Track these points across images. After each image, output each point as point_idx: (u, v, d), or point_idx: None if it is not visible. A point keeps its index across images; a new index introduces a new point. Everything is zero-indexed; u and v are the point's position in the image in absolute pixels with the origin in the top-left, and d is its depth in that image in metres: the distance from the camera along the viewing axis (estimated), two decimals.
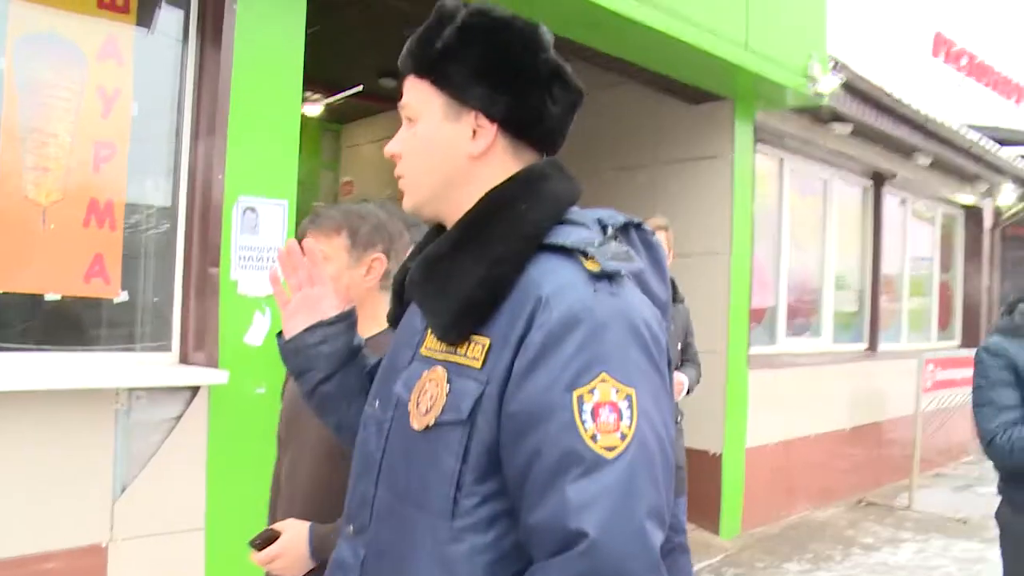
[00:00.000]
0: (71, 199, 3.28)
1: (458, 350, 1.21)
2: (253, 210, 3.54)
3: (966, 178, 9.31)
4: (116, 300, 3.41)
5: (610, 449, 1.08)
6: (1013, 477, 2.88)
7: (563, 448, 1.08)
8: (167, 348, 3.52)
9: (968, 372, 9.09)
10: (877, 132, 7.30)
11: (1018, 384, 2.86)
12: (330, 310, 1.60)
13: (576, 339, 1.12)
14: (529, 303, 1.15)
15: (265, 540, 1.87)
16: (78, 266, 3.31)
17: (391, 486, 1.28)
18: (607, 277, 1.16)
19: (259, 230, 3.57)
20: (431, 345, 1.27)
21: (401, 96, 1.34)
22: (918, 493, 7.43)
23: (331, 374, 1.58)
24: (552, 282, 1.16)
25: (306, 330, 1.59)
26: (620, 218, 1.32)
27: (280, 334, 1.63)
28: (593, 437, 1.08)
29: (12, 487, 2.95)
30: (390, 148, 1.37)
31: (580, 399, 1.09)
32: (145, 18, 3.52)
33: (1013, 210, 9.96)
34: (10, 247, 3.15)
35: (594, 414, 1.09)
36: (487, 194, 1.27)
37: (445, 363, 1.22)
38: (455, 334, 1.21)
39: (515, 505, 1.15)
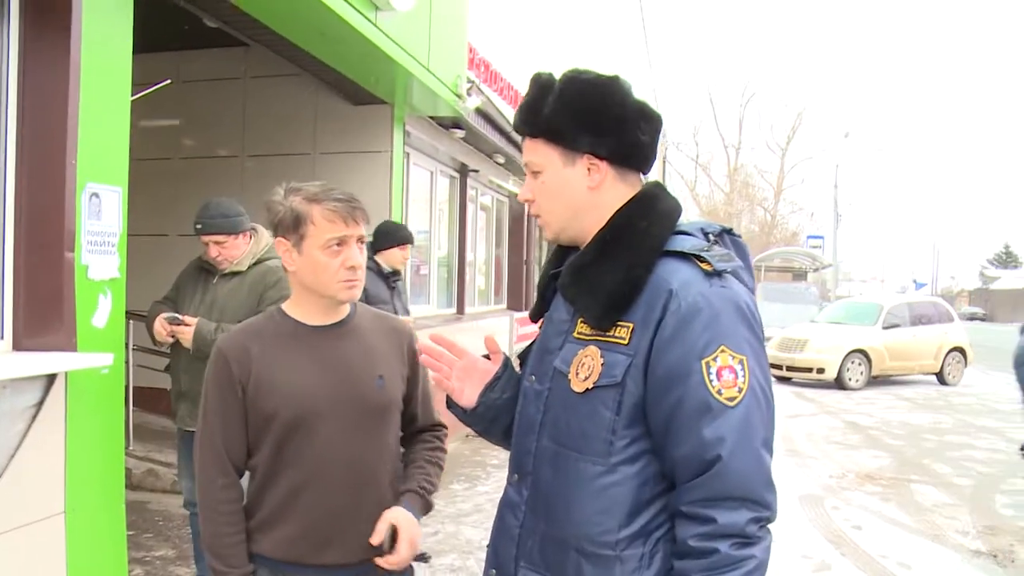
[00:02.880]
0: None
1: (607, 333, 1.52)
2: (97, 196, 3.39)
3: (516, 171, 10.99)
4: None
5: (731, 400, 1.43)
6: None
7: (698, 400, 1.43)
8: None
9: (531, 328, 10.77)
10: (478, 136, 8.45)
11: None
12: (487, 366, 1.83)
13: (701, 321, 1.45)
14: (662, 295, 1.48)
15: (392, 538, 2.01)
16: None
17: (554, 438, 1.59)
18: (718, 274, 1.50)
19: (102, 215, 3.42)
20: (582, 330, 1.57)
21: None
22: None
23: (515, 410, 1.74)
24: (678, 279, 1.49)
25: (488, 389, 1.80)
26: (716, 227, 1.65)
27: (453, 406, 1.84)
28: (719, 392, 1.43)
29: None
30: (523, 196, 1.70)
31: (707, 365, 1.43)
32: None
33: None
34: None
35: (718, 375, 1.43)
36: (615, 215, 1.59)
37: (596, 342, 1.53)
38: (607, 321, 1.52)
39: (657, 444, 1.49)
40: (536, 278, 12.97)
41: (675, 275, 1.49)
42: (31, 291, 3.24)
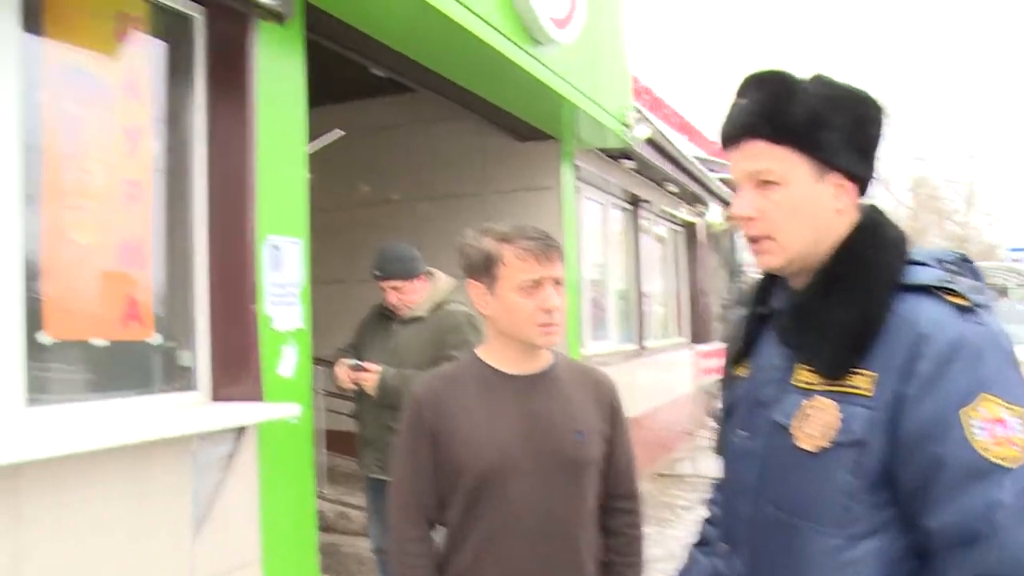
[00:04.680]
0: (106, 238, 3.04)
1: (840, 382, 1.30)
2: (277, 248, 3.46)
3: (689, 200, 10.69)
4: (151, 342, 3.18)
5: (1004, 459, 1.18)
6: None
7: (961, 460, 1.19)
8: (193, 387, 3.33)
9: (716, 362, 10.38)
10: (648, 166, 8.25)
11: None
12: None
13: (959, 366, 1.22)
14: (909, 338, 1.25)
15: None
16: (117, 308, 3.07)
17: (776, 503, 1.37)
18: (971, 310, 1.27)
19: (282, 267, 3.49)
20: (806, 378, 1.35)
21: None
22: (692, 461, 8.54)
23: None
24: (927, 318, 1.26)
25: None
26: (951, 254, 1.40)
27: None
28: (985, 449, 1.18)
29: (102, 546, 2.70)
30: (742, 211, 1.40)
31: (970, 417, 1.20)
32: (157, 56, 3.32)
33: (723, 226, 11.60)
34: (60, 292, 2.86)
35: (985, 429, 1.19)
36: (842, 246, 1.38)
37: (828, 393, 1.31)
38: (841, 369, 1.30)
39: (908, 512, 1.25)
40: (714, 309, 12.63)
41: (922, 314, 1.27)
42: (221, 343, 3.34)
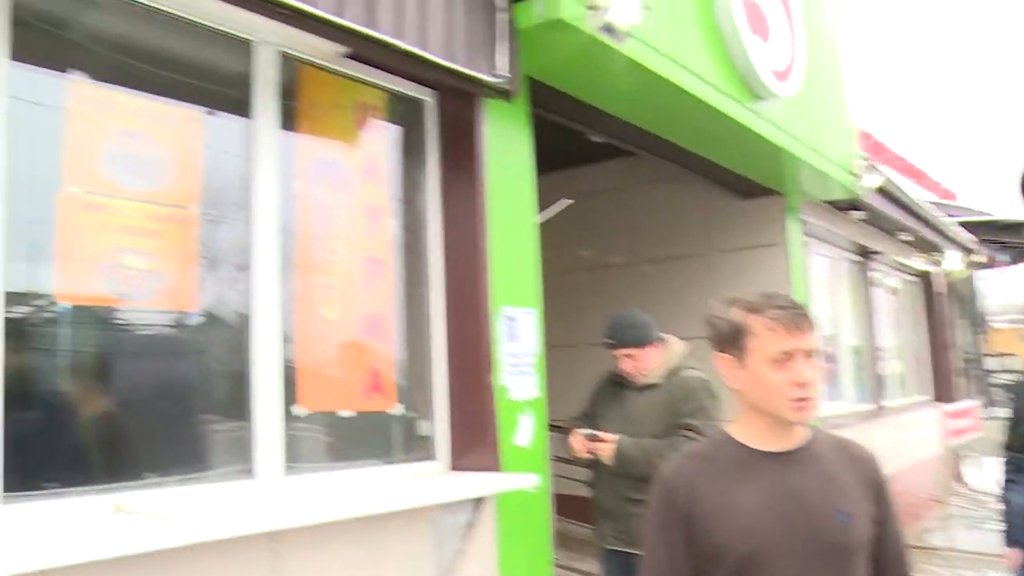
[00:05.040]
0: (351, 314, 3.17)
1: None
2: (512, 319, 3.48)
3: (924, 248, 9.91)
4: (393, 412, 3.27)
5: None
6: None
7: None
8: (432, 457, 3.38)
9: (966, 422, 9.47)
10: (878, 215, 7.73)
11: None
12: None
13: None
14: None
15: None
16: (361, 380, 3.18)
17: None
18: None
19: (517, 338, 3.50)
20: None
21: None
22: (944, 532, 7.73)
23: None
24: None
25: None
26: None
27: None
28: None
29: None
30: None
31: None
32: (393, 139, 3.48)
33: (963, 274, 10.66)
34: (311, 366, 3.00)
35: None
36: None
37: None
38: None
39: None
40: (956, 363, 11.53)
41: None
42: (459, 413, 3.38)
